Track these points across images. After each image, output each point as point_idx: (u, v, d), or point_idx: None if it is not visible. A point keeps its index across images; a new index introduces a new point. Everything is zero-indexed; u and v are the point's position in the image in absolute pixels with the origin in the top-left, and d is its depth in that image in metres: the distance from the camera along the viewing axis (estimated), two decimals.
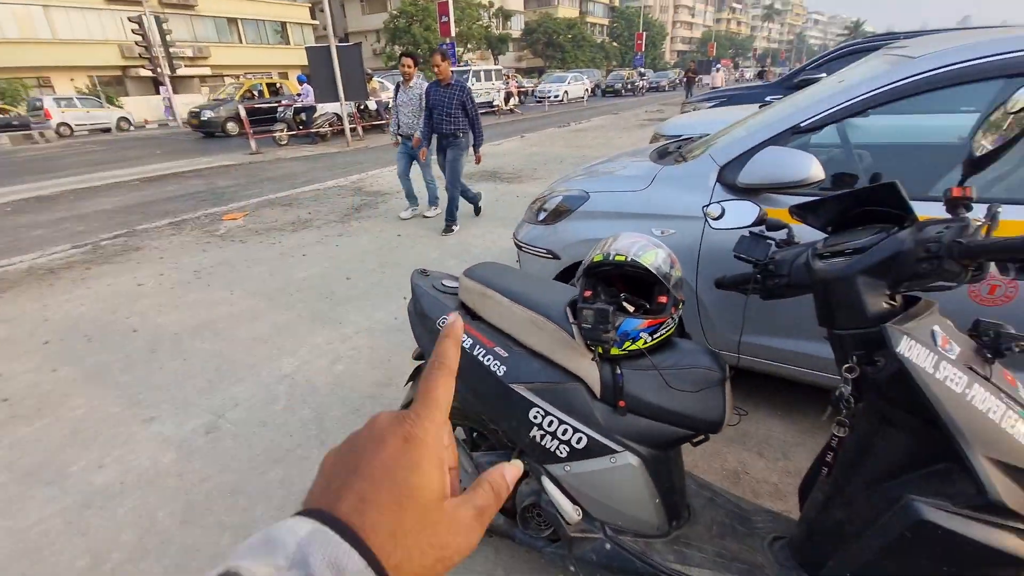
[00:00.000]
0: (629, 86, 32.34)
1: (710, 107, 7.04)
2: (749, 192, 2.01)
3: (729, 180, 2.09)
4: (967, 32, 2.26)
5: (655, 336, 1.34)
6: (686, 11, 78.54)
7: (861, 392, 1.15)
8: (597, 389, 1.35)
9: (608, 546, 1.36)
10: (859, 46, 6.29)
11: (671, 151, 2.83)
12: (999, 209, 0.99)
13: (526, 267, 2.75)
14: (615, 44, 54.92)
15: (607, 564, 1.35)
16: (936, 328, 1.06)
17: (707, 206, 1.58)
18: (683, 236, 2.19)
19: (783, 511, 1.62)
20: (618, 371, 1.32)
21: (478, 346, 1.45)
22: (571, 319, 1.38)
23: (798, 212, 1.35)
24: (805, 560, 1.30)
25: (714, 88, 18.92)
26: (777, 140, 2.02)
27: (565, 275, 2.56)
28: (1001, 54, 1.67)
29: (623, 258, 1.35)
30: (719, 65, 27.36)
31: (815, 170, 1.83)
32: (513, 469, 0.36)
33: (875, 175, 1.97)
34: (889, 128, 3.04)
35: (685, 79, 22.62)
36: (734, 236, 1.46)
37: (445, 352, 0.36)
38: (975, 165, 1.04)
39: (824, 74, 5.88)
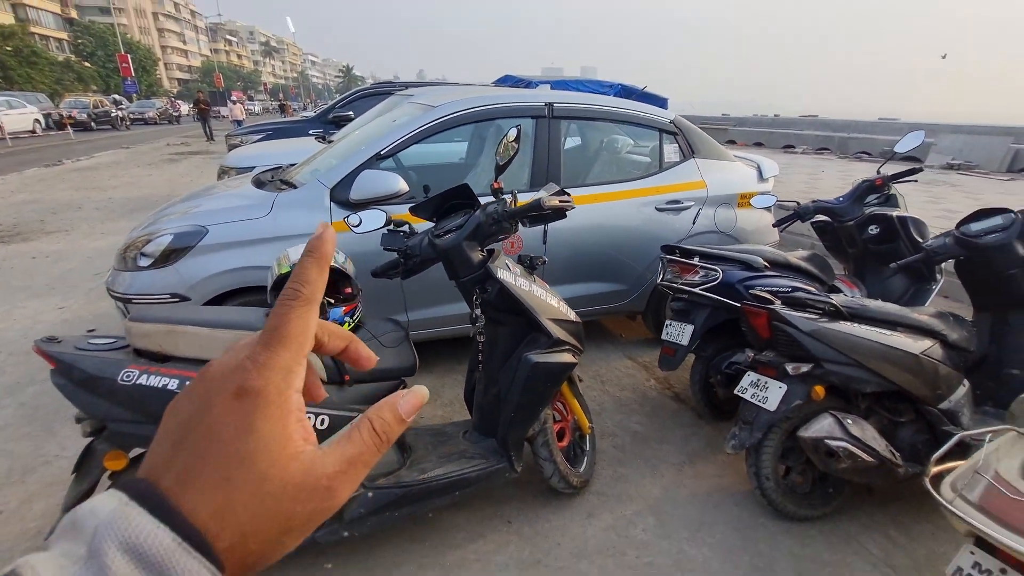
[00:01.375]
0: (102, 117, 24.04)
1: (258, 139, 7.22)
2: (361, 206, 2.53)
3: (341, 198, 2.56)
4: (454, 87, 3.47)
5: (354, 318, 1.70)
6: (174, 36, 72.01)
7: (485, 312, 1.88)
8: (323, 375, 1.60)
9: (370, 494, 1.65)
10: (373, 90, 7.78)
11: (269, 179, 3.04)
12: (516, 192, 1.86)
13: None
14: (88, 64, 45.07)
15: (376, 508, 1.65)
16: (508, 262, 1.88)
17: (347, 218, 2.01)
18: None
19: (460, 419, 2.28)
20: None
21: (188, 381, 1.41)
22: None
23: (414, 210, 1.96)
24: (487, 431, 1.98)
25: (235, 120, 18.61)
26: (367, 165, 2.62)
27: None
28: (488, 105, 2.80)
29: None
30: (235, 98, 26.80)
31: (401, 185, 2.52)
32: (413, 397, 0.30)
33: (425, 186, 2.85)
34: (421, 153, 4.19)
35: (198, 111, 20.36)
36: (366, 238, 1.96)
37: (303, 276, 0.29)
38: (498, 170, 1.89)
39: (352, 112, 7.07)
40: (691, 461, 2.42)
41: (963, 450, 1.63)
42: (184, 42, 75.16)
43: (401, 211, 2.43)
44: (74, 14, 51.28)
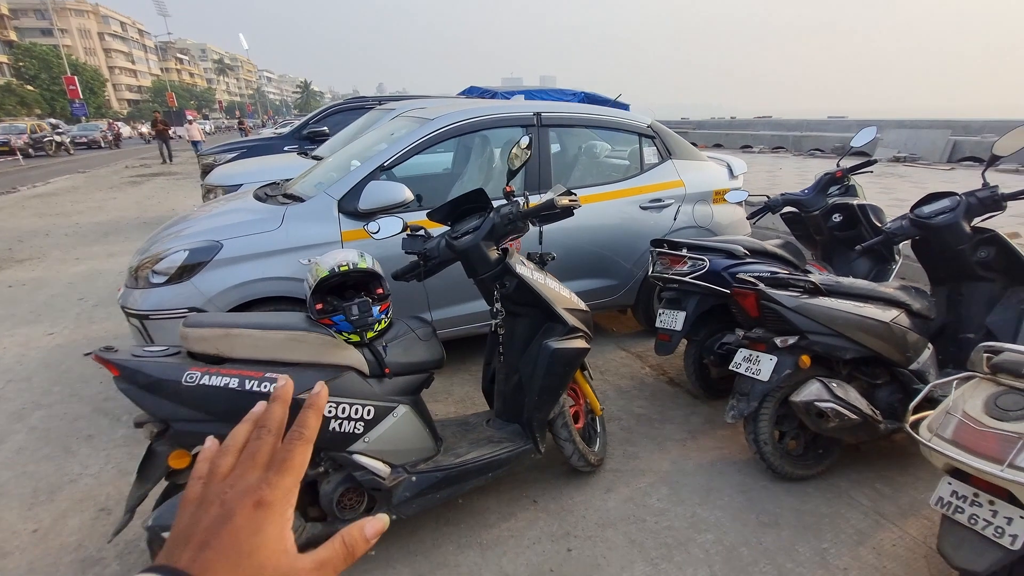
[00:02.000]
0: (39, 143, 22.00)
1: (231, 158, 7.19)
2: (370, 216, 2.65)
3: (349, 209, 2.68)
4: (439, 100, 3.62)
5: (387, 316, 1.83)
6: (122, 56, 69.77)
7: (504, 306, 2.03)
8: (366, 369, 1.72)
9: (414, 479, 1.78)
10: (346, 106, 7.83)
11: (270, 194, 3.12)
12: (528, 194, 2.02)
13: (162, 335, 2.48)
14: (31, 88, 43.26)
15: (419, 491, 1.77)
16: (523, 259, 2.04)
17: (367, 225, 2.14)
18: None
19: (480, 410, 2.41)
20: (383, 346, 1.74)
21: (247, 381, 1.52)
22: (319, 323, 1.69)
23: (431, 215, 2.11)
24: (510, 417, 2.13)
25: (192, 141, 18.16)
26: (372, 176, 2.75)
27: None
28: (480, 116, 2.98)
29: (347, 268, 1.76)
30: (190, 117, 26.07)
31: (407, 194, 2.63)
32: (376, 523, 0.38)
33: (418, 195, 2.98)
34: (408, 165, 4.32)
35: (157, 133, 19.58)
36: (376, 248, 2.11)
37: (306, 422, 0.39)
38: (509, 175, 2.05)
39: (326, 128, 7.12)
40: (693, 436, 2.62)
41: (932, 404, 1.87)
42: (133, 62, 72.90)
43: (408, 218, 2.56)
44: (13, 36, 49.16)
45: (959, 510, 1.52)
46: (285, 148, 7.36)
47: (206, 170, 7.44)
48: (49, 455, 2.54)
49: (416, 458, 1.83)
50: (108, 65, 65.34)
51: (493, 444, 2.01)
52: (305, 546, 0.42)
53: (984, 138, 9.49)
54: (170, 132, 20.03)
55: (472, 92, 10.94)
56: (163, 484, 1.68)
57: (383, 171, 2.79)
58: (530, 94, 9.80)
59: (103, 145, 27.71)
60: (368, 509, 1.77)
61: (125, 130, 36.04)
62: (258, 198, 3.09)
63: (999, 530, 1.43)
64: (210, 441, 0.41)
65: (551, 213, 2.00)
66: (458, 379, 3.14)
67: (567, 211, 2.00)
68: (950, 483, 1.56)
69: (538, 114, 3.13)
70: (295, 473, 0.37)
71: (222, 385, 1.48)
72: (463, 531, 2.03)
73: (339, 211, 2.70)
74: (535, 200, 2.01)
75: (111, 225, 7.77)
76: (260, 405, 0.41)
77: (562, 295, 2.07)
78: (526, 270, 1.98)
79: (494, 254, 1.99)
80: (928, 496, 2.14)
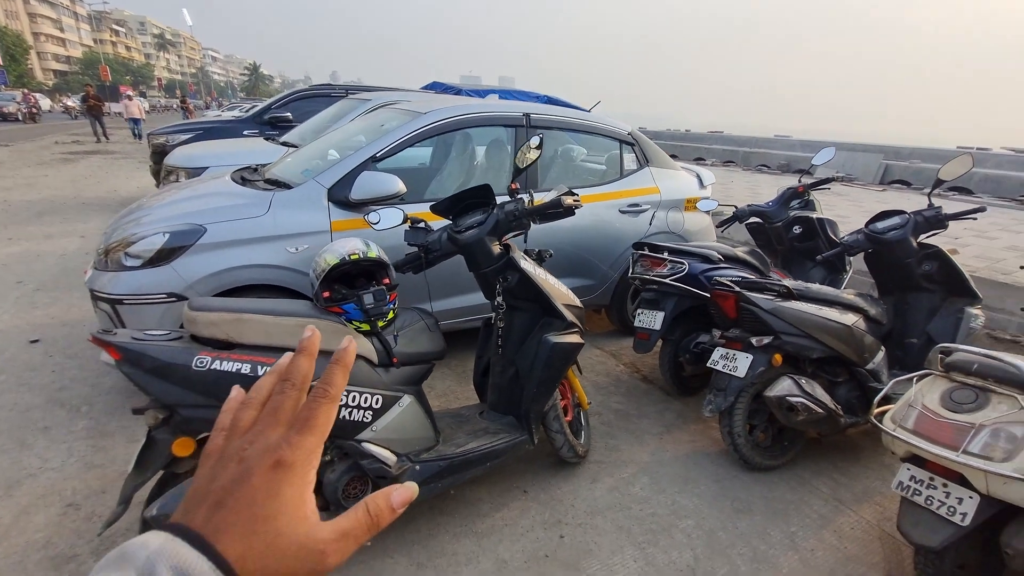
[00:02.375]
0: None
1: (186, 139, 6.84)
2: (361, 206, 2.63)
3: (339, 198, 2.64)
4: (431, 95, 3.61)
5: (395, 306, 1.84)
6: (49, 23, 64.18)
7: (504, 300, 2.08)
8: (375, 358, 1.73)
9: (418, 467, 1.79)
10: (312, 93, 7.59)
11: (248, 179, 3.02)
12: (533, 192, 2.08)
13: (136, 321, 2.36)
14: None
15: (423, 480, 1.79)
16: (523, 254, 2.10)
17: (367, 215, 2.14)
18: (315, 249, 2.56)
19: (472, 403, 2.44)
20: (394, 335, 1.75)
21: (260, 367, 1.50)
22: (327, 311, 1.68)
23: (434, 208, 2.12)
24: (504, 410, 2.18)
25: (131, 119, 16.92)
26: (364, 166, 2.72)
27: None
28: (473, 113, 3.01)
29: (357, 256, 1.76)
30: (129, 93, 24.29)
31: (400, 186, 2.64)
32: (404, 492, 0.36)
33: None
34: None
35: (88, 108, 17.91)
36: (364, 236, 2.12)
37: (331, 380, 0.36)
38: (516, 173, 2.10)
39: (290, 113, 6.89)
40: (668, 430, 2.76)
41: (886, 401, 2.08)
42: (61, 30, 67.26)
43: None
44: None
45: (917, 493, 1.71)
46: (245, 132, 7.06)
47: (157, 150, 7.04)
48: (1, 448, 2.35)
49: (419, 447, 1.85)
50: (32, 32, 59.95)
51: (490, 435, 2.05)
52: None
53: (911, 163, 10.41)
54: (104, 108, 18.57)
55: (435, 87, 10.87)
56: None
57: (375, 161, 2.77)
58: (499, 93, 9.86)
59: (19, 119, 24.72)
60: None
61: (45, 103, 32.87)
62: (238, 182, 2.98)
63: (951, 509, 1.62)
64: (235, 391, 0.39)
65: (553, 212, 2.07)
66: (439, 374, 3.15)
67: (569, 211, 2.07)
68: (909, 469, 1.75)
69: (527, 115, 3.20)
70: (319, 433, 0.35)
71: (234, 370, 1.45)
72: (458, 521, 2.06)
73: (329, 199, 2.65)
74: (539, 198, 2.07)
75: (45, 204, 7.18)
76: (286, 357, 0.38)
77: (560, 291, 2.14)
78: (529, 265, 2.04)
79: (497, 249, 2.04)
80: (879, 484, 2.37)
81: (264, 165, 3.44)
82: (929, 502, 1.67)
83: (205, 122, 7.59)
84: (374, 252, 1.80)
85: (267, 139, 5.60)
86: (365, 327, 1.74)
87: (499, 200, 2.07)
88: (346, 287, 1.81)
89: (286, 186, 2.73)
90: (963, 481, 1.61)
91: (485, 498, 2.19)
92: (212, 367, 1.44)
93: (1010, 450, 1.54)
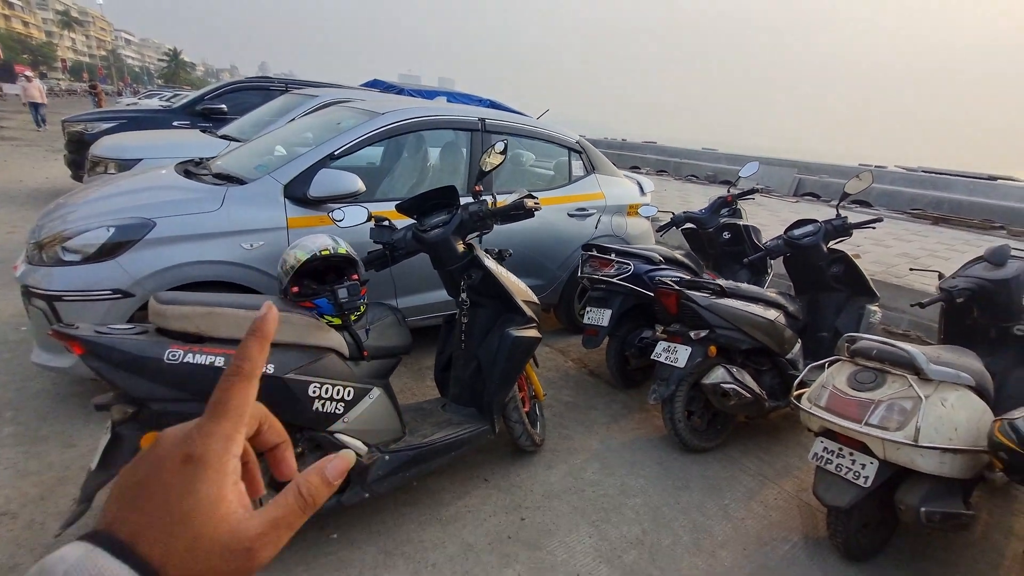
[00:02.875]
0: None
1: (108, 128, 6.37)
2: (320, 203, 2.63)
3: (297, 195, 2.63)
4: (385, 95, 3.63)
5: (364, 301, 1.89)
6: None
7: (468, 296, 2.18)
8: (346, 351, 1.77)
9: (387, 458, 1.85)
10: (247, 84, 7.27)
11: (193, 172, 2.92)
12: (496, 196, 2.19)
13: (74, 317, 2.24)
14: None
15: (392, 470, 1.85)
16: (482, 251, 2.20)
17: (331, 213, 2.17)
18: (271, 246, 2.56)
19: (431, 398, 2.51)
20: (366, 329, 1.80)
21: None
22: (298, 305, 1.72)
23: (399, 208, 2.19)
24: (466, 402, 2.27)
25: (31, 103, 15.37)
26: (321, 164, 2.72)
27: (140, 313, 2.33)
28: (431, 116, 3.08)
29: (328, 252, 1.80)
30: (28, 74, 21.99)
31: (360, 185, 2.66)
32: (339, 461, 0.34)
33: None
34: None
35: None
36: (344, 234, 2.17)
37: (246, 353, 0.33)
38: (480, 176, 2.21)
39: (225, 105, 6.59)
40: (615, 420, 2.96)
41: (801, 386, 2.37)
42: None
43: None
44: None
45: (828, 462, 1.98)
46: (175, 123, 6.68)
47: (73, 139, 6.52)
48: None
49: (388, 438, 1.91)
50: None
51: (454, 426, 2.14)
52: None
53: (821, 178, 11.51)
54: None
55: (377, 85, 10.74)
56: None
57: (332, 159, 2.77)
58: (446, 96, 9.90)
59: None
60: (342, 490, 1.80)
61: None
62: (183, 176, 2.88)
63: (856, 474, 1.90)
64: None
65: (513, 213, 2.19)
66: (396, 371, 3.18)
67: (530, 213, 2.21)
68: (822, 442, 2.02)
69: (483, 120, 3.31)
70: (233, 417, 0.31)
71: (207, 363, 1.45)
72: (422, 510, 2.13)
73: (285, 196, 2.63)
74: (501, 200, 2.19)
75: None
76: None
77: (520, 287, 2.27)
78: (492, 263, 2.16)
79: (461, 247, 2.14)
80: (796, 461, 2.68)
81: (207, 159, 3.33)
82: (839, 469, 1.94)
83: (130, 111, 7.09)
84: (344, 248, 1.85)
85: (203, 131, 5.35)
86: (337, 321, 1.78)
87: (462, 201, 2.17)
88: (315, 283, 1.84)
89: (239, 181, 2.68)
90: (865, 449, 1.90)
91: (448, 487, 2.27)
92: (185, 360, 1.44)
93: (902, 421, 1.83)
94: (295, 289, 1.78)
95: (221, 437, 0.31)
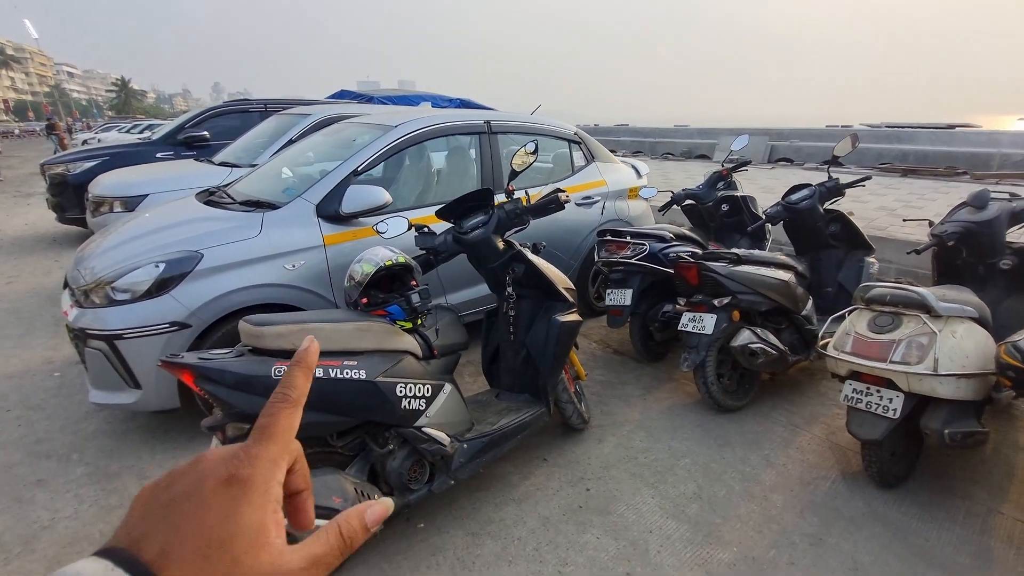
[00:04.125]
0: None
1: (91, 166, 6.32)
2: (352, 219, 2.74)
3: (329, 212, 2.74)
4: (389, 107, 3.73)
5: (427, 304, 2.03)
6: None
7: (512, 289, 2.32)
8: (419, 352, 1.91)
9: (465, 446, 2.00)
10: (223, 110, 7.22)
11: (218, 202, 3.00)
12: (527, 191, 2.34)
13: (135, 353, 2.32)
14: None
15: (471, 456, 2.00)
16: (524, 245, 2.35)
17: (376, 225, 2.30)
18: (310, 264, 2.67)
19: (486, 389, 2.66)
20: (436, 330, 1.94)
21: (330, 369, 1.64)
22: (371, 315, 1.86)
23: (439, 213, 2.32)
24: (520, 389, 2.42)
25: None
26: (347, 181, 2.83)
27: (198, 342, 2.43)
28: (441, 124, 3.21)
29: (391, 262, 1.93)
30: None
31: (388, 197, 2.78)
32: (379, 508, 0.33)
33: None
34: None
35: None
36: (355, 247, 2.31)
37: (292, 382, 0.33)
38: (511, 176, 2.35)
39: (207, 132, 6.57)
40: (648, 391, 3.15)
41: (817, 340, 2.59)
42: None
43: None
44: None
45: (859, 401, 2.19)
46: (158, 155, 6.64)
47: (56, 181, 6.43)
48: None
49: (462, 429, 2.05)
50: None
51: (514, 412, 2.29)
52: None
53: (792, 143, 11.88)
54: None
55: (344, 96, 10.72)
56: None
57: (356, 175, 2.88)
58: (420, 100, 9.94)
59: None
60: (430, 480, 1.95)
61: None
62: (208, 203, 2.96)
63: (885, 408, 2.11)
64: None
65: (550, 208, 2.35)
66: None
67: (561, 206, 2.36)
68: (851, 383, 2.23)
69: (488, 122, 3.44)
70: (280, 442, 0.31)
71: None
72: (494, 493, 2.28)
73: (318, 215, 2.74)
74: (534, 194, 2.34)
75: None
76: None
77: (559, 275, 2.42)
78: (533, 256, 2.31)
79: (501, 245, 2.28)
80: (820, 408, 2.90)
81: (221, 187, 3.40)
82: (869, 406, 2.15)
83: (111, 147, 7.02)
84: (403, 257, 1.98)
85: (197, 160, 5.35)
86: (408, 325, 1.91)
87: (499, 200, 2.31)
88: (381, 292, 1.97)
89: (271, 206, 2.77)
90: (891, 385, 2.11)
91: (512, 470, 2.43)
92: None
93: (921, 355, 2.04)
94: (364, 300, 1.90)
95: (268, 460, 0.30)
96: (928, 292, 2.17)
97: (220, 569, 0.27)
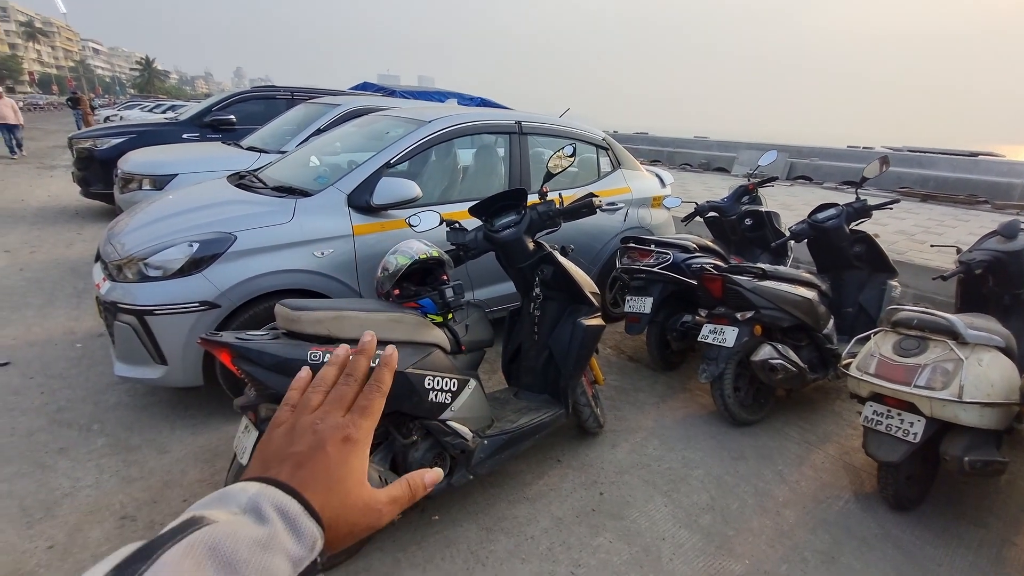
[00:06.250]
0: None
1: (119, 142, 6.41)
2: (381, 210, 2.77)
3: (359, 203, 2.77)
4: (423, 102, 3.76)
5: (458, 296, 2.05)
6: None
7: (540, 290, 2.34)
8: (447, 346, 1.93)
9: (486, 442, 2.02)
10: (249, 95, 7.30)
11: (250, 186, 3.04)
12: (560, 194, 2.35)
13: (164, 329, 2.36)
14: None
15: (491, 452, 2.02)
16: (553, 247, 2.37)
17: (408, 219, 2.33)
18: (339, 252, 2.70)
19: (503, 387, 2.67)
20: (465, 325, 1.96)
21: None
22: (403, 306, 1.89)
23: (472, 211, 2.34)
24: (540, 389, 2.44)
25: (6, 124, 14.83)
26: (379, 173, 2.86)
27: (225, 322, 2.46)
28: (473, 122, 3.23)
29: (426, 256, 1.95)
30: None
31: (417, 191, 2.80)
32: (432, 474, 0.45)
33: None
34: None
35: None
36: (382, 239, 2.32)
37: (383, 377, 0.44)
38: (546, 178, 2.36)
39: (233, 116, 6.64)
40: (663, 399, 3.15)
41: (836, 359, 2.58)
42: None
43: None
44: None
45: (879, 423, 2.19)
46: (184, 136, 6.73)
47: (82, 155, 6.52)
48: (20, 472, 2.27)
49: (483, 425, 2.07)
50: None
51: (533, 411, 2.31)
52: None
53: (811, 161, 11.82)
54: None
55: (366, 88, 10.80)
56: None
57: (388, 168, 2.91)
58: (436, 96, 9.97)
59: None
60: (450, 474, 1.97)
61: None
62: (239, 185, 3.00)
63: (906, 432, 2.10)
64: (304, 371, 0.46)
65: (582, 211, 2.36)
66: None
67: (593, 210, 2.38)
68: (872, 405, 2.23)
69: (519, 123, 3.47)
70: (373, 418, 0.43)
71: None
72: (508, 491, 2.30)
73: (349, 205, 2.77)
74: (568, 195, 2.36)
75: None
76: (343, 348, 0.46)
77: (586, 279, 2.44)
78: (561, 258, 2.32)
79: (532, 246, 2.30)
80: (835, 428, 2.89)
81: (251, 171, 3.44)
82: (889, 429, 2.15)
83: (138, 125, 7.11)
84: (436, 251, 2.00)
85: (224, 143, 5.42)
86: (438, 319, 1.93)
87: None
88: (413, 285, 2.00)
89: (303, 193, 2.81)
90: (913, 409, 2.10)
91: (526, 469, 2.44)
92: (324, 360, 1.59)
93: (946, 381, 2.04)
94: (396, 291, 1.93)
95: (367, 430, 0.42)
96: (956, 318, 2.16)
97: (338, 498, 0.38)
